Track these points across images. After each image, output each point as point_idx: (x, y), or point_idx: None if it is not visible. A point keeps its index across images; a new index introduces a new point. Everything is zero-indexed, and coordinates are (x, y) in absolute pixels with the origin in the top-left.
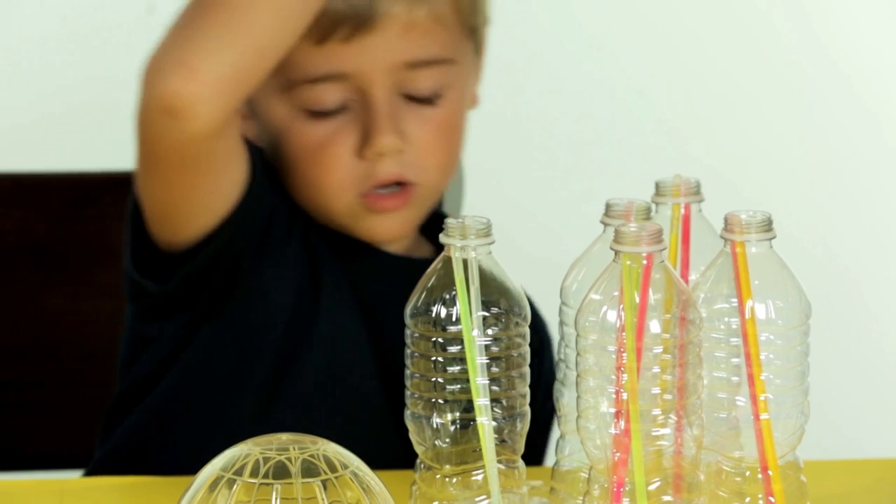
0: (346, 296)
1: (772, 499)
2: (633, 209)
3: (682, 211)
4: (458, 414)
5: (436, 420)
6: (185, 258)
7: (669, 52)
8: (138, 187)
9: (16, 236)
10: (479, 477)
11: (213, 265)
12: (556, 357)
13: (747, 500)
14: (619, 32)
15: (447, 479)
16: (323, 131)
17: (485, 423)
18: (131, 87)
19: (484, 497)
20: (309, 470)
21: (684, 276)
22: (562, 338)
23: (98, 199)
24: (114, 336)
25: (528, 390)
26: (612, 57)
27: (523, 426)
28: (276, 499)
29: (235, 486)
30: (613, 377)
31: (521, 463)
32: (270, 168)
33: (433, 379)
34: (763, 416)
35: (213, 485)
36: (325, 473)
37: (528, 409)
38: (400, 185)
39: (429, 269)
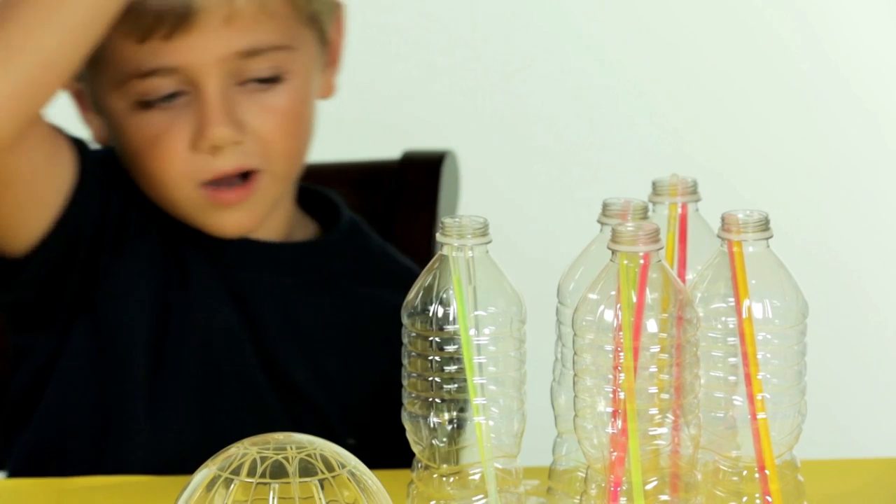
0: (217, 287)
1: (769, 498)
2: (630, 208)
3: (679, 210)
4: (454, 413)
5: (433, 419)
6: (22, 265)
7: (667, 51)
8: None
9: None
10: (477, 476)
11: (54, 270)
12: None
13: (744, 499)
14: (616, 32)
15: (444, 479)
16: (157, 123)
17: (482, 422)
18: None
19: (481, 496)
20: (306, 469)
21: (681, 275)
22: (559, 337)
23: None
24: None
25: (525, 389)
26: (609, 57)
27: (520, 426)
28: (273, 498)
29: (232, 485)
30: (610, 376)
31: (518, 462)
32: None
33: (430, 378)
34: (760, 416)
35: (211, 484)
36: (323, 473)
37: (525, 408)
38: (244, 176)
39: (426, 268)
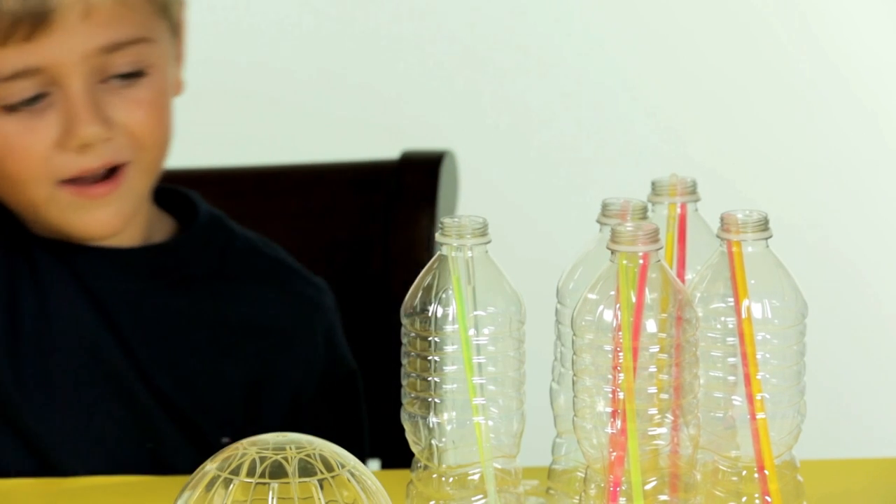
0: (74, 296)
1: (768, 498)
2: (630, 208)
3: (679, 210)
4: (454, 413)
5: (432, 419)
6: None
7: (666, 52)
8: None
9: None
10: (476, 476)
11: None
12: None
13: (744, 499)
14: (616, 32)
15: (444, 479)
16: (19, 123)
17: (481, 422)
18: None
19: (480, 496)
20: (305, 469)
21: (681, 275)
22: (558, 337)
23: None
24: None
25: (524, 390)
26: (609, 57)
27: (520, 426)
28: (272, 498)
29: (232, 485)
30: (610, 376)
31: (517, 463)
32: None
33: (429, 378)
34: (759, 416)
35: (210, 484)
36: (322, 473)
37: (524, 408)
38: (111, 171)
39: (425, 268)
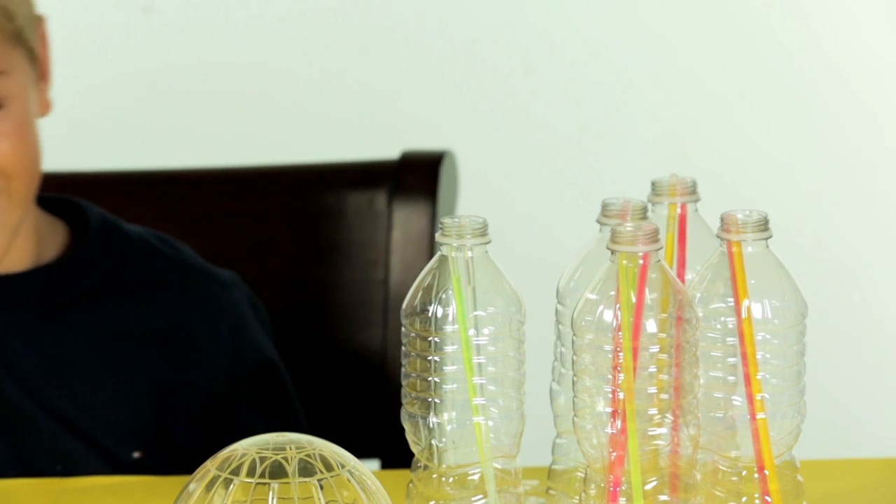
0: None
1: (768, 498)
2: (630, 209)
3: (679, 210)
4: (454, 413)
5: (432, 419)
6: None
7: (666, 51)
8: None
9: None
10: (476, 476)
11: None
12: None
13: (743, 499)
14: (616, 32)
15: (444, 479)
16: None
17: (481, 422)
18: (126, 87)
19: (480, 497)
20: (305, 469)
21: (681, 275)
22: (558, 337)
23: (91, 199)
24: None
25: (524, 390)
26: (609, 56)
27: (520, 426)
28: (272, 498)
29: (232, 485)
30: (610, 376)
31: (517, 463)
32: None
33: (429, 378)
34: (759, 416)
35: (210, 484)
36: (322, 473)
37: (524, 408)
38: None
39: (425, 269)
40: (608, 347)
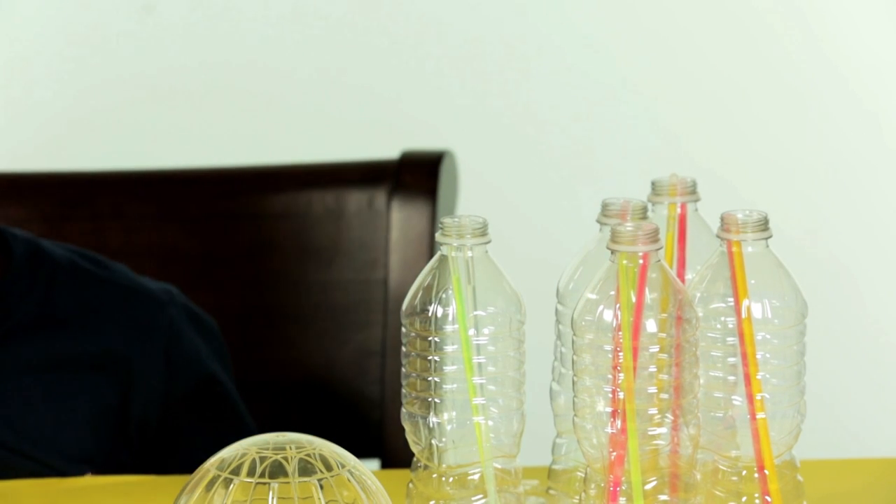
0: None
1: (768, 498)
2: (630, 208)
3: (679, 210)
4: (454, 413)
5: (432, 419)
6: None
7: (666, 51)
8: None
9: None
10: (476, 476)
11: None
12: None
13: (743, 499)
14: (616, 32)
15: (444, 479)
16: None
17: (481, 422)
18: (126, 87)
19: (480, 496)
20: (305, 469)
21: (681, 275)
22: (558, 337)
23: (91, 198)
24: None
25: (524, 389)
26: (609, 56)
27: (520, 426)
28: (272, 498)
29: (232, 485)
30: (610, 376)
31: (517, 462)
32: None
33: (429, 378)
34: (759, 416)
35: (210, 484)
36: (322, 472)
37: (524, 408)
38: None
39: (425, 268)
40: (608, 347)
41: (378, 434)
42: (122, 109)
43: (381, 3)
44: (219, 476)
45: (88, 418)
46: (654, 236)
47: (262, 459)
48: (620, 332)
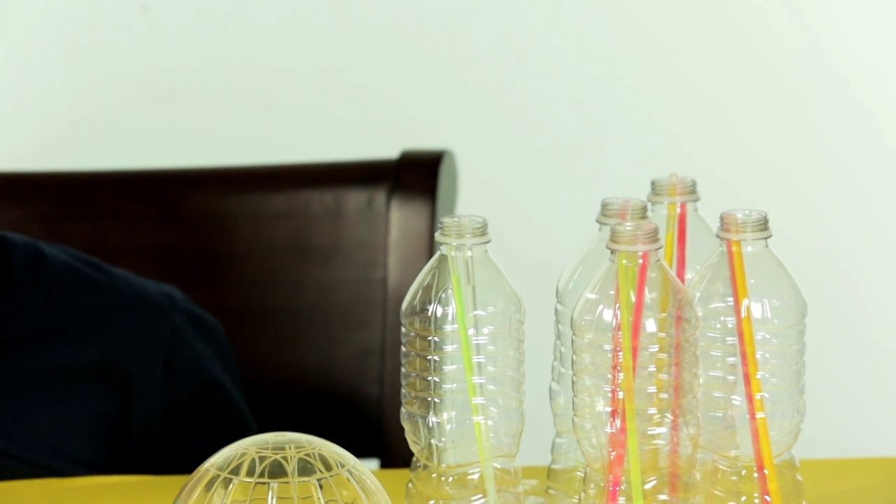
0: None
1: (767, 498)
2: (629, 208)
3: (678, 210)
4: (453, 413)
5: (431, 419)
6: None
7: (666, 51)
8: None
9: None
10: (476, 476)
11: None
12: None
13: (743, 499)
14: (615, 32)
15: (443, 479)
16: None
17: (480, 422)
18: (125, 86)
19: (480, 496)
20: (305, 469)
21: (680, 275)
22: (557, 336)
23: (90, 198)
24: None
25: (524, 389)
26: (608, 56)
27: (519, 425)
28: (272, 498)
29: (231, 485)
30: (609, 376)
31: (517, 462)
32: None
33: (429, 378)
34: (759, 415)
35: (210, 484)
36: (321, 472)
37: (524, 408)
38: None
39: (425, 268)
40: (608, 347)
41: (377, 434)
42: (122, 109)
43: (382, 3)
44: (218, 476)
45: (87, 427)
46: (653, 236)
47: (262, 459)
48: (620, 332)
